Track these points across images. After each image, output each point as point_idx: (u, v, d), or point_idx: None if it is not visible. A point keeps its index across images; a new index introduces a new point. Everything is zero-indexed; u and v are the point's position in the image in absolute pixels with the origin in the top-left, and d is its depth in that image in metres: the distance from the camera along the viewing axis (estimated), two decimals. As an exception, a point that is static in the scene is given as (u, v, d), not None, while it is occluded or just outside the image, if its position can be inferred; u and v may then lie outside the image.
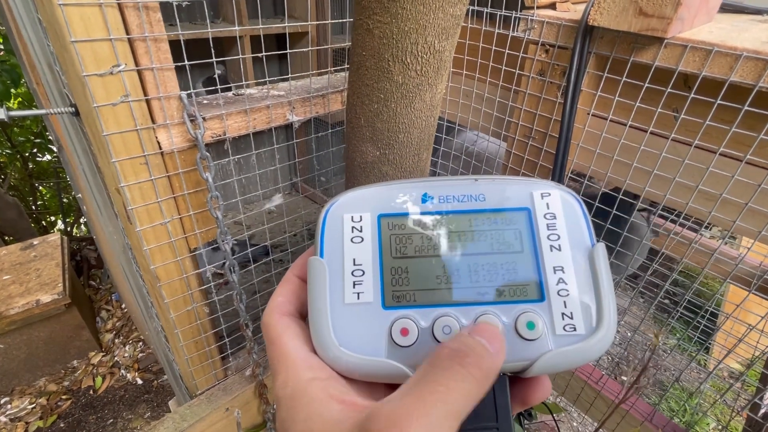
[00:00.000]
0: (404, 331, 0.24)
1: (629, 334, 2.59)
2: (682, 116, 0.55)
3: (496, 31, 0.69)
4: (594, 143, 0.65)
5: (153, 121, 0.62)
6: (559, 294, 0.25)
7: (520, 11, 0.66)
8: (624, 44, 0.56)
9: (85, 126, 0.66)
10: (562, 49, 0.62)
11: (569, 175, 0.72)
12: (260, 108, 0.72)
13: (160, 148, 0.63)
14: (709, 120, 0.53)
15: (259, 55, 0.76)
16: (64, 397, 2.04)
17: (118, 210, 0.70)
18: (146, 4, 0.54)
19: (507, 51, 0.69)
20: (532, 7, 0.65)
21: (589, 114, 0.65)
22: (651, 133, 0.60)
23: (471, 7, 0.71)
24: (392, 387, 0.23)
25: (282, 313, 0.26)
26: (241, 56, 0.84)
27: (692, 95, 0.54)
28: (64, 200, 3.41)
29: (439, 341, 0.24)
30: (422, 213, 0.27)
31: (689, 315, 0.74)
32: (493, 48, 0.71)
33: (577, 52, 0.58)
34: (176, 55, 0.61)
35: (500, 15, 0.68)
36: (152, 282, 0.74)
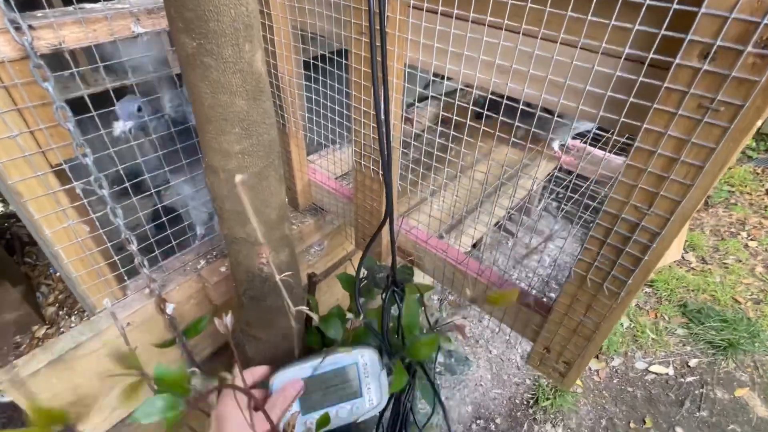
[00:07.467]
0: None
1: (557, 255, 2.79)
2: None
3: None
4: (428, 36, 0.71)
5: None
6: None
7: None
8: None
9: None
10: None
11: (404, 68, 0.79)
12: (98, 18, 0.74)
13: (-12, 56, 0.65)
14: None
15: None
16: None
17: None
18: None
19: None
20: None
21: (409, 6, 0.71)
22: (472, 21, 0.66)
23: None
24: None
25: None
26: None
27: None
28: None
29: None
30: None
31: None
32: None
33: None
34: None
35: None
36: (17, 200, 0.77)
